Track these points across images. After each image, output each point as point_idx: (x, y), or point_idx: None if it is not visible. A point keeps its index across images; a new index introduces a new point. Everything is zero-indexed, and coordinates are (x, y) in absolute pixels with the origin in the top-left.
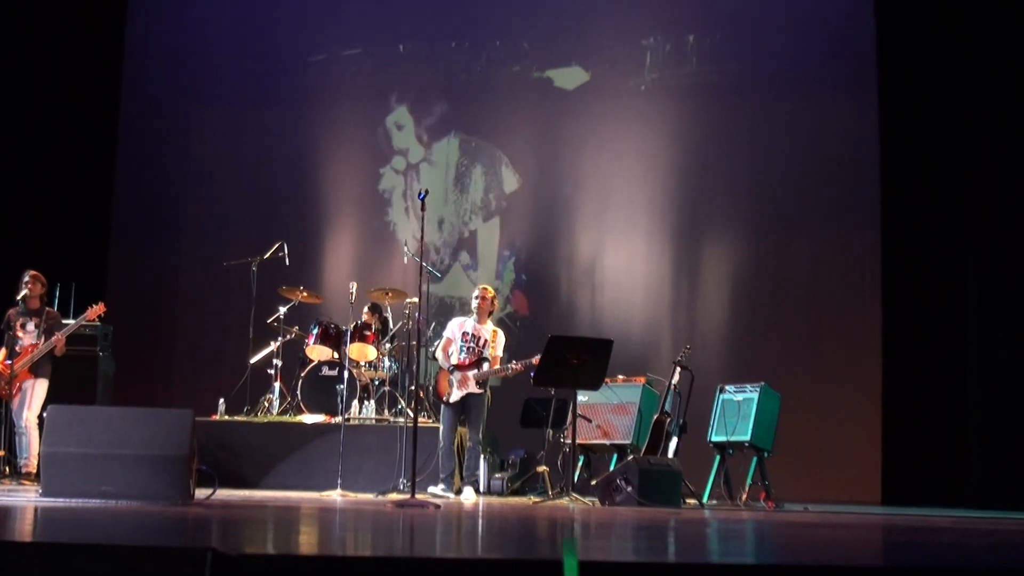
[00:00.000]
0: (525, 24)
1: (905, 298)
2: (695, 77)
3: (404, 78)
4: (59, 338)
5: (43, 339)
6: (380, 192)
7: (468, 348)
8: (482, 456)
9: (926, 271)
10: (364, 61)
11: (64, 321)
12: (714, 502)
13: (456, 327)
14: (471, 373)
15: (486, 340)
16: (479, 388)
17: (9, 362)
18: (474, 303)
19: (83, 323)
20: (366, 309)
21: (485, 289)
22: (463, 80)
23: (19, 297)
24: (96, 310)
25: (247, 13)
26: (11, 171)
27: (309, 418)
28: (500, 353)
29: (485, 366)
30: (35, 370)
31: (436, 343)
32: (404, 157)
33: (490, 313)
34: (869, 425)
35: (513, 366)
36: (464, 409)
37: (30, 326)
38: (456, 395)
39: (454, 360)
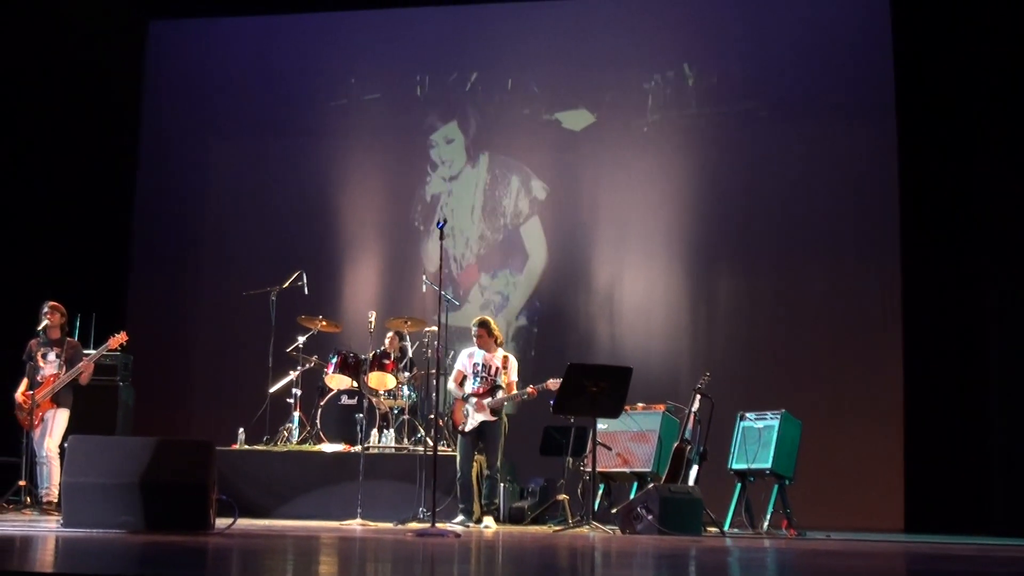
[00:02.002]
0: (533, 68)
1: (925, 325)
2: (711, 108)
3: (421, 117)
4: (87, 364)
5: (64, 369)
6: (411, 220)
7: (481, 377)
8: (501, 484)
9: (946, 297)
10: (381, 103)
11: (85, 351)
12: (735, 530)
13: (466, 358)
14: (486, 401)
15: (497, 368)
16: (494, 416)
17: (31, 392)
18: (474, 341)
19: (105, 352)
20: (391, 334)
21: (481, 327)
22: (478, 122)
23: (39, 328)
24: (118, 339)
25: (267, 48)
26: (32, 203)
27: (328, 447)
28: (514, 378)
29: (499, 394)
30: (57, 400)
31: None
32: (444, 181)
33: (496, 340)
34: (891, 452)
35: (528, 391)
36: (480, 437)
37: (51, 356)
38: (471, 423)
39: (468, 389)
